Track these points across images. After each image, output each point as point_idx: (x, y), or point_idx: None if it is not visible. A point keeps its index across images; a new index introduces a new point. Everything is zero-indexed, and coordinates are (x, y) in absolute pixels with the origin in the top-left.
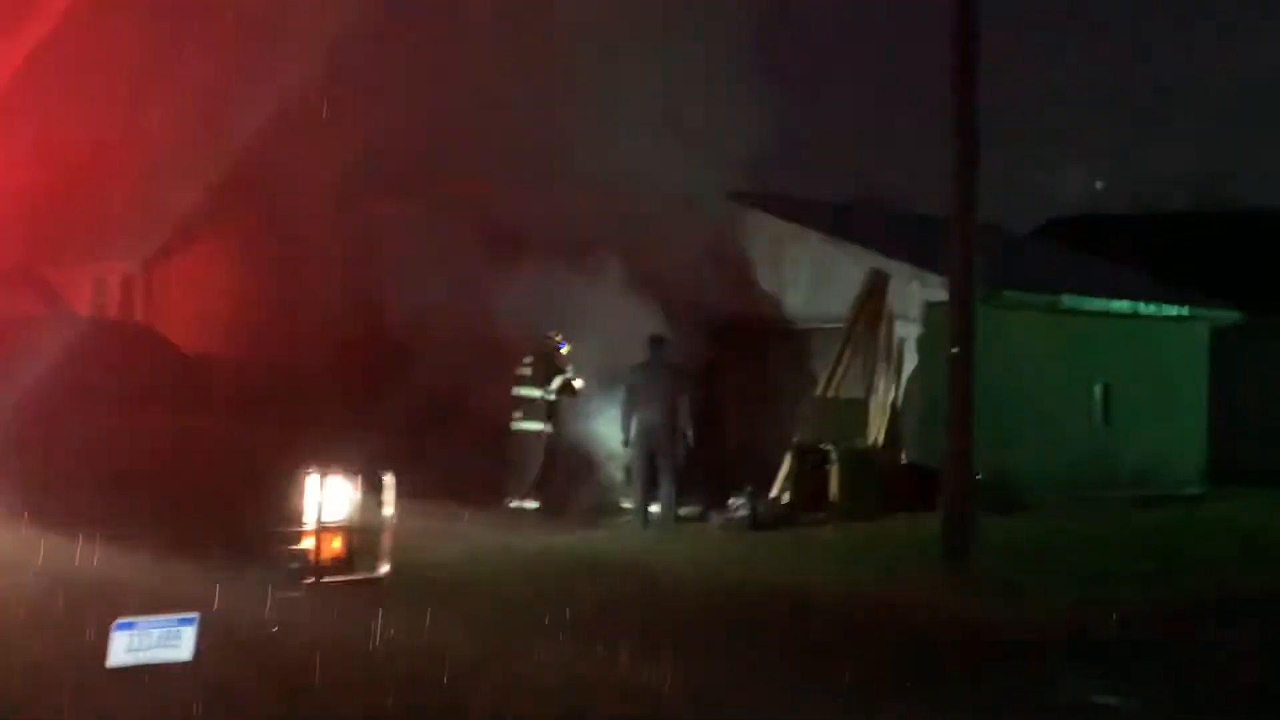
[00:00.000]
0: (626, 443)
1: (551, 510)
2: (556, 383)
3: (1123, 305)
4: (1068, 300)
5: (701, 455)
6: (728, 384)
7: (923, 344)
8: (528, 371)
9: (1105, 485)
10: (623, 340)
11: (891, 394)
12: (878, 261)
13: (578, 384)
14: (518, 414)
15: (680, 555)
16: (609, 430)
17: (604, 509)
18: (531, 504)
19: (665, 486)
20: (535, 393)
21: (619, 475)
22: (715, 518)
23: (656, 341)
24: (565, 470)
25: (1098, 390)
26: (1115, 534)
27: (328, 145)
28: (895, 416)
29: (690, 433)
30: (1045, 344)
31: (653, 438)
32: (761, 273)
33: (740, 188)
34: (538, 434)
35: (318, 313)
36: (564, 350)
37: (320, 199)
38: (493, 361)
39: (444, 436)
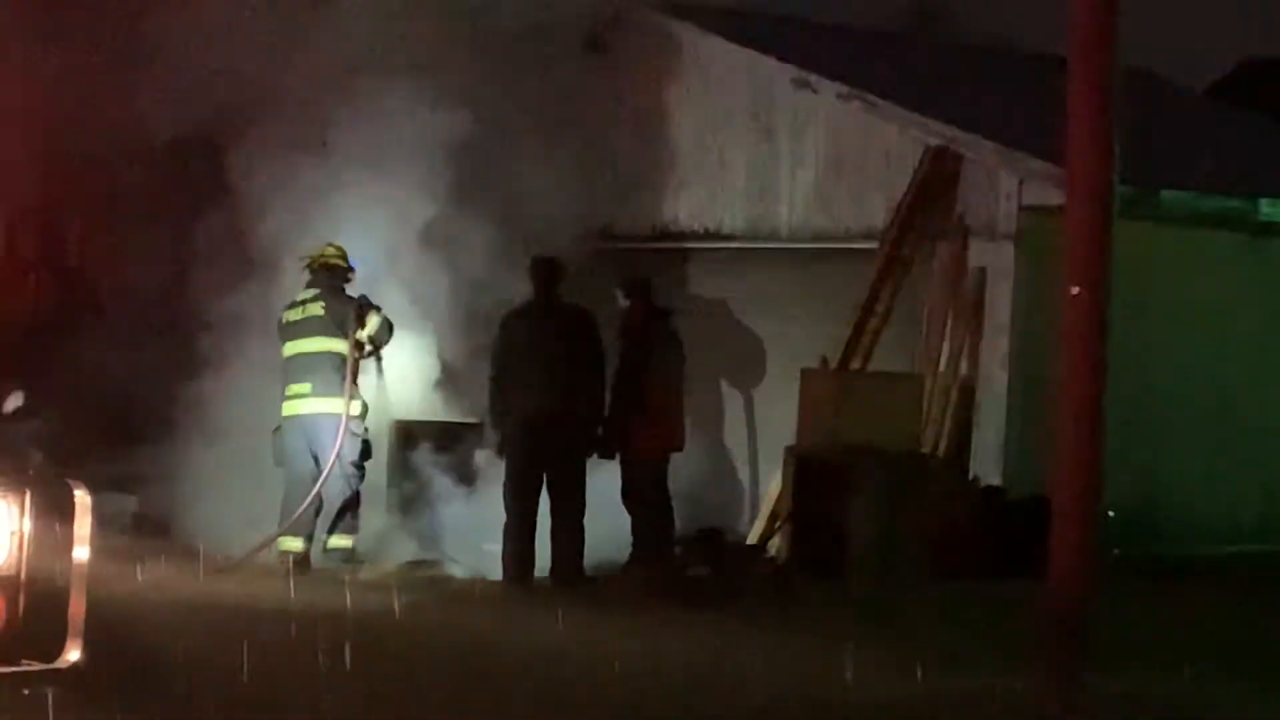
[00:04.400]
0: (502, 448)
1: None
2: (372, 325)
3: None
4: (1271, 209)
5: (630, 467)
6: (664, 346)
7: (1019, 279)
8: (317, 311)
9: None
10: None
11: (962, 366)
12: (941, 134)
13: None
14: (299, 387)
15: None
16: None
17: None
18: (344, 541)
19: (563, 521)
20: (331, 346)
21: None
22: (639, 575)
23: (545, 269)
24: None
25: None
26: None
27: None
28: (968, 405)
29: (603, 429)
30: (1232, 283)
31: (544, 437)
32: (723, 153)
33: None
34: (336, 419)
35: None
36: (355, 273)
37: None
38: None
39: (165, 422)
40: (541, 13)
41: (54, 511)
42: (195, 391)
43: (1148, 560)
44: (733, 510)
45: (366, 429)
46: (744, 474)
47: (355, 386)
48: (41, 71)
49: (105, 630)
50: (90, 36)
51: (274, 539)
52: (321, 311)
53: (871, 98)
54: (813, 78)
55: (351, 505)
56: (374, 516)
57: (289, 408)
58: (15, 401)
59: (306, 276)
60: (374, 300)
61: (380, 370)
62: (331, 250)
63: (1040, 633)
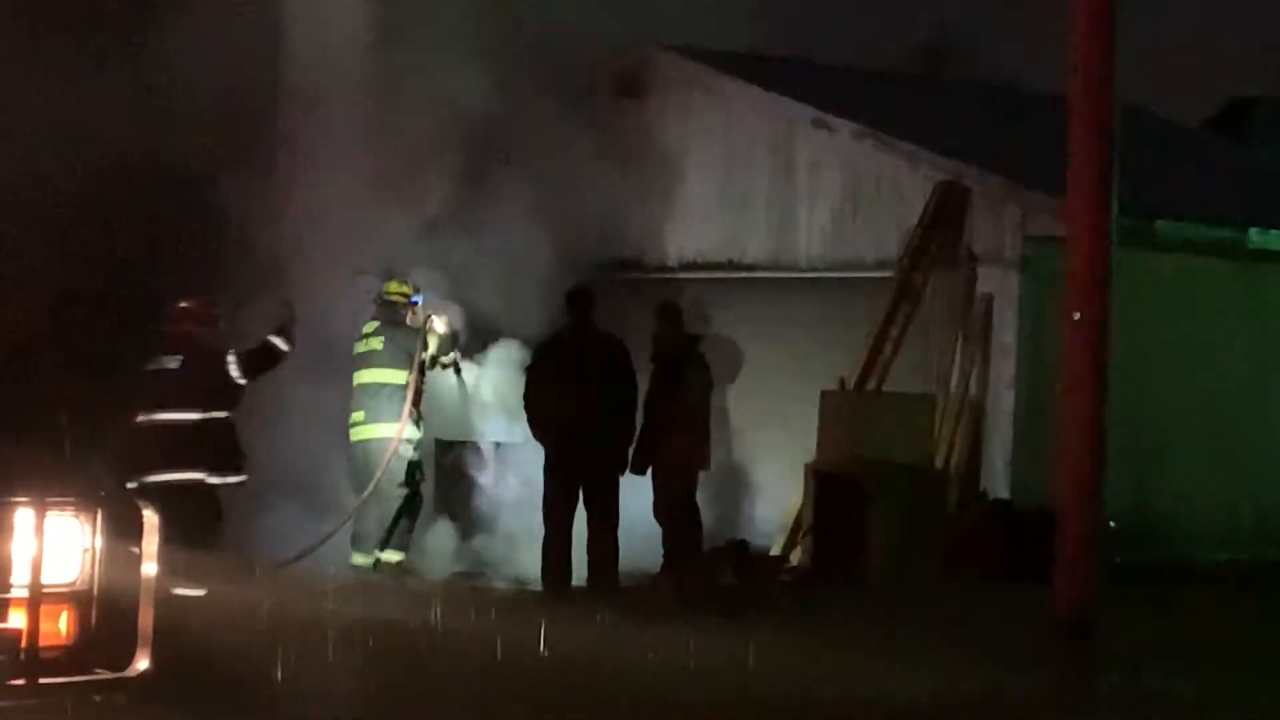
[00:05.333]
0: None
1: (417, 569)
2: (433, 344)
3: None
4: (1260, 237)
5: (661, 482)
6: (693, 369)
7: (1024, 305)
8: (377, 345)
9: None
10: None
11: (971, 387)
12: (950, 169)
13: (455, 360)
14: (356, 415)
15: (624, 659)
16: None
17: (490, 567)
18: (394, 556)
19: (599, 535)
20: (387, 378)
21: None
22: (670, 584)
23: (581, 299)
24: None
25: None
26: None
27: None
28: (977, 423)
29: (636, 448)
30: (1224, 308)
31: (580, 456)
32: (746, 189)
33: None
34: (386, 443)
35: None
36: (419, 306)
37: None
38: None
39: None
40: (577, 58)
41: (125, 530)
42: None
43: (1148, 566)
44: (757, 522)
45: (417, 450)
46: (767, 488)
47: (415, 411)
48: None
49: (169, 638)
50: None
51: (313, 549)
52: (380, 345)
53: (885, 135)
54: (830, 117)
55: (404, 522)
56: (424, 531)
57: (352, 434)
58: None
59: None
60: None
61: (461, 382)
62: (393, 286)
63: (1050, 634)
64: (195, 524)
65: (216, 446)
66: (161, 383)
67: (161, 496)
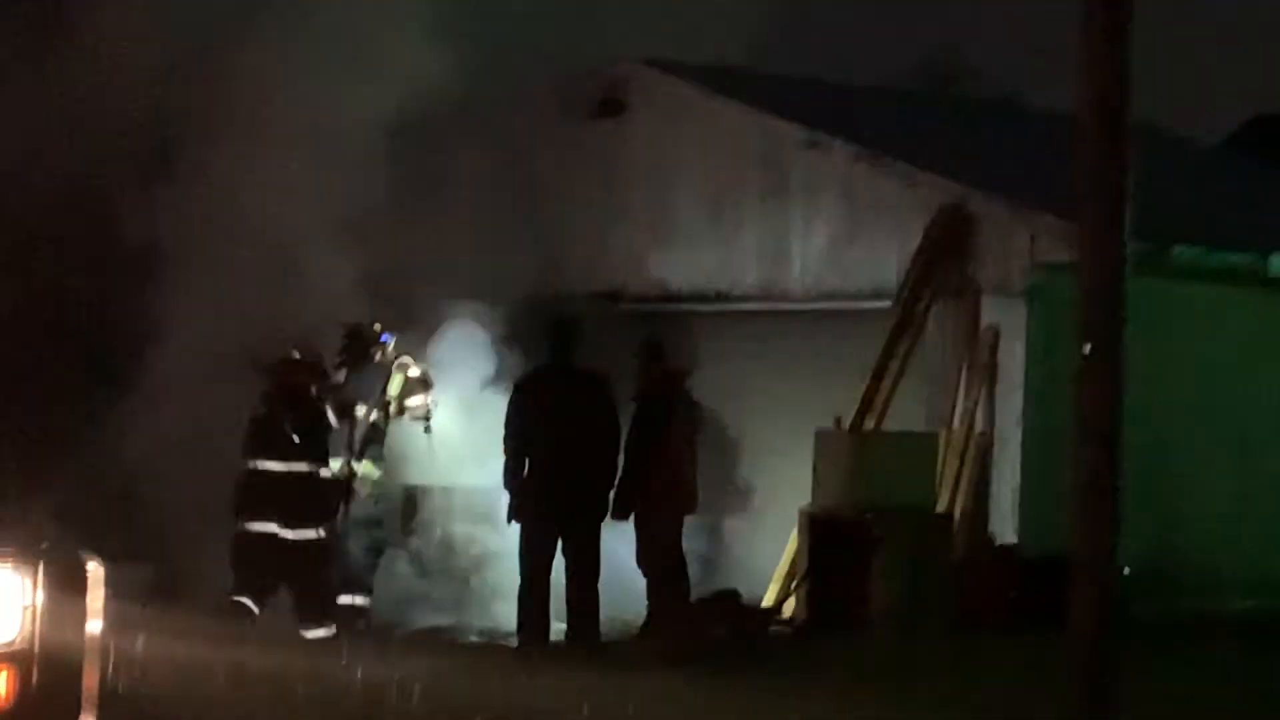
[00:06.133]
0: (513, 514)
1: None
2: (396, 384)
3: None
4: None
5: (645, 529)
6: (680, 408)
7: (1032, 336)
8: (340, 379)
9: None
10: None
11: (977, 424)
12: (953, 192)
13: (427, 401)
14: (338, 453)
15: None
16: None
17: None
18: (356, 599)
19: (579, 585)
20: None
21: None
22: (654, 638)
23: (563, 332)
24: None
25: None
26: None
27: None
28: (983, 463)
29: (617, 492)
30: (1245, 340)
31: (559, 500)
32: (736, 214)
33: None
34: (344, 484)
35: None
36: (390, 345)
37: None
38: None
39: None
40: (553, 77)
41: (68, 584)
42: (209, 458)
43: (1172, 617)
44: (749, 572)
45: (376, 494)
46: (759, 535)
47: (376, 449)
48: None
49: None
50: None
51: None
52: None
53: (884, 156)
54: (824, 138)
55: (364, 566)
56: (391, 579)
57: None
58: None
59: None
60: (410, 360)
61: (428, 430)
62: (363, 327)
63: (1064, 695)
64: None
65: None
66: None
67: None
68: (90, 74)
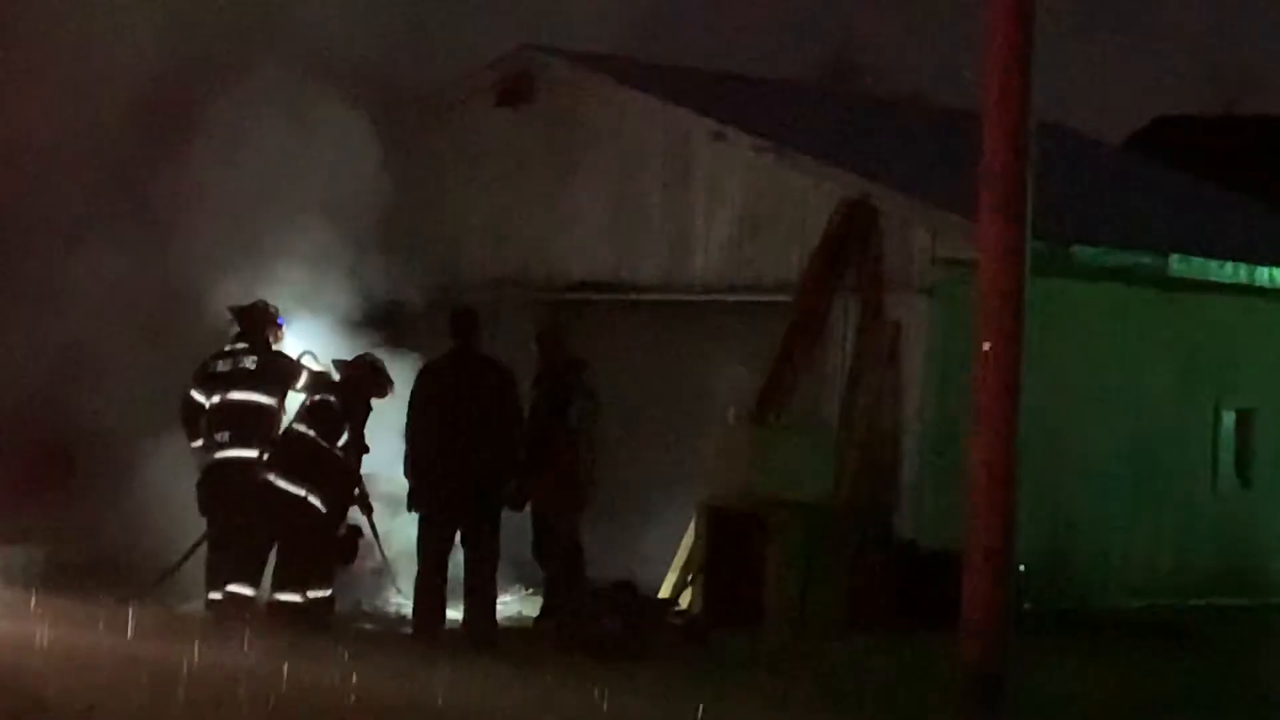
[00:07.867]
0: (414, 503)
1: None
2: (303, 380)
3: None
4: (1181, 265)
5: (541, 519)
6: (579, 398)
7: (933, 333)
8: (249, 365)
9: (1242, 585)
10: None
11: (876, 419)
12: (856, 187)
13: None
14: (221, 436)
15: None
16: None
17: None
18: (245, 590)
19: (476, 576)
20: (257, 399)
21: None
22: (549, 627)
23: (464, 321)
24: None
25: (1228, 420)
26: None
27: None
28: (884, 458)
29: (515, 482)
30: (1143, 339)
31: (456, 489)
32: (638, 204)
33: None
34: (244, 465)
35: None
36: (284, 328)
37: None
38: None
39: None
40: (453, 66)
41: None
42: (113, 437)
43: (1064, 613)
44: (645, 562)
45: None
46: (656, 526)
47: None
48: None
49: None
50: None
51: (171, 573)
52: (253, 365)
53: (788, 149)
54: (729, 129)
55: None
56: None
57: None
58: None
59: (234, 329)
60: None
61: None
62: (260, 304)
63: (957, 689)
64: None
65: None
66: None
67: None
68: None
